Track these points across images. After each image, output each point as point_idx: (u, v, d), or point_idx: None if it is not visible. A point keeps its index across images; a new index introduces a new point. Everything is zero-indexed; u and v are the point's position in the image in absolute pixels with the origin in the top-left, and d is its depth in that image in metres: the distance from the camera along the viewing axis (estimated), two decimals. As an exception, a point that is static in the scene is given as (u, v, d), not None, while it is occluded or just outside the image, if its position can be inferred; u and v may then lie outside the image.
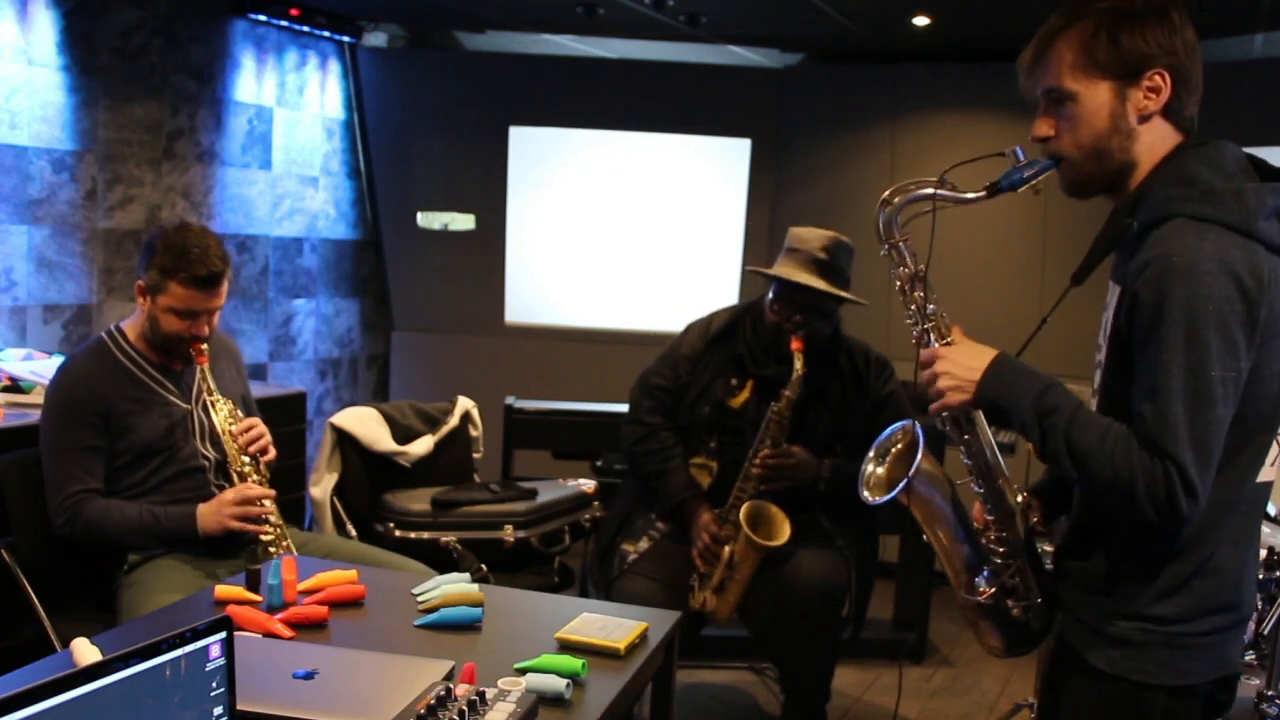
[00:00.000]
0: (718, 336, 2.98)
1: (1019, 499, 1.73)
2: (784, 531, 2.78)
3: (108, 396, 2.53)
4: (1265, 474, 1.57)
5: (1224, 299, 1.40)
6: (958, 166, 1.63)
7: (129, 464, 2.55)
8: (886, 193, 1.69)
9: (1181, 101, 1.53)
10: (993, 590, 1.68)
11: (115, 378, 2.56)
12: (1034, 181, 1.59)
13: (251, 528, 2.51)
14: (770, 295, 2.90)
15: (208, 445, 2.63)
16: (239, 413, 2.64)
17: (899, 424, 1.80)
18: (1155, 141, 1.54)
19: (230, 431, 2.59)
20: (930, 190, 1.63)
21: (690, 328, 3.05)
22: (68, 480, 2.48)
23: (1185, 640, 1.52)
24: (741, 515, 2.76)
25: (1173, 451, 1.41)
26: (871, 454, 1.82)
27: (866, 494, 1.79)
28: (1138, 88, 1.51)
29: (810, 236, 2.86)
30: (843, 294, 2.83)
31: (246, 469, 2.59)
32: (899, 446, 1.78)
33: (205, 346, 2.58)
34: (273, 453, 2.66)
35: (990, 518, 1.70)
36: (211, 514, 2.50)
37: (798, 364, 2.77)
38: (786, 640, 2.83)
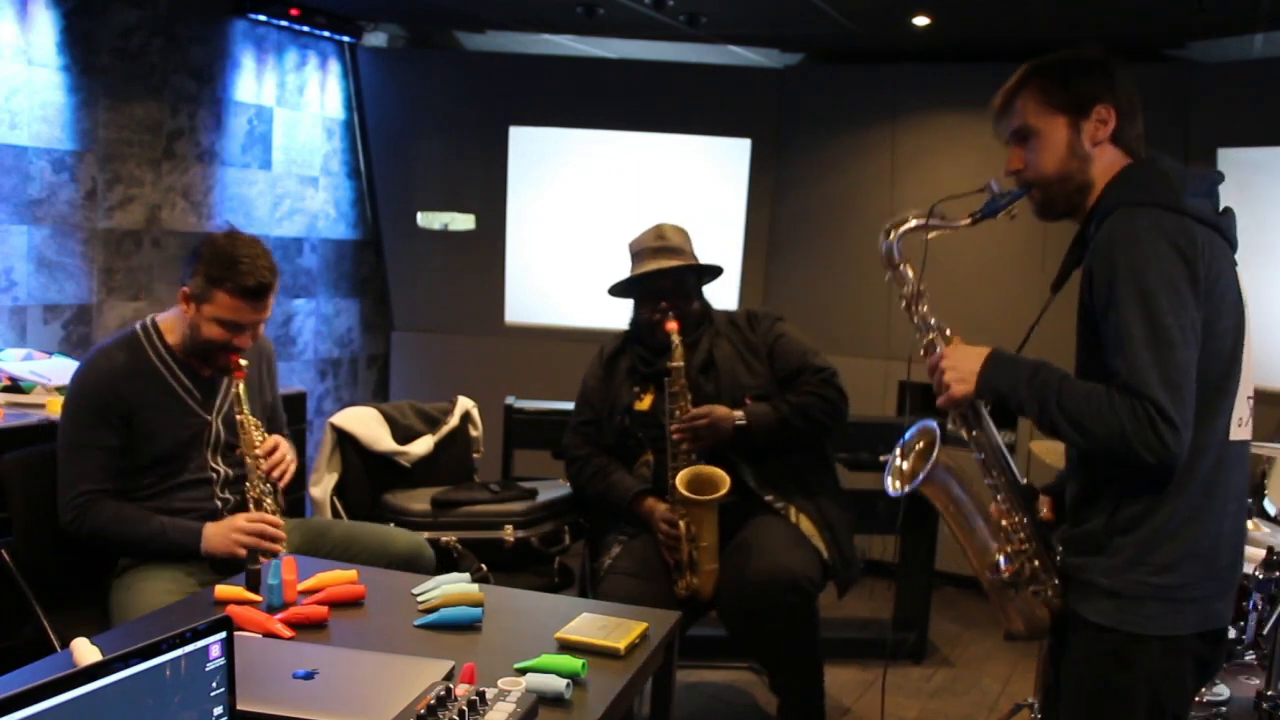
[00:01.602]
0: (610, 358, 3.20)
1: (1029, 489, 1.89)
2: (723, 483, 2.83)
3: (133, 400, 2.47)
4: (1240, 433, 1.76)
5: (1164, 258, 1.65)
6: (946, 200, 1.92)
7: (140, 468, 2.50)
8: (886, 225, 1.95)
9: (1125, 131, 1.82)
10: (1015, 568, 1.84)
11: (145, 380, 2.50)
12: (1008, 208, 1.87)
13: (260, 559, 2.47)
14: (635, 302, 3.12)
15: (218, 459, 2.59)
16: (264, 431, 2.56)
17: (919, 424, 1.95)
18: (1107, 164, 1.82)
19: (255, 453, 2.51)
20: (923, 221, 1.91)
21: (589, 366, 3.26)
22: (80, 478, 2.45)
23: (1173, 593, 1.70)
24: (680, 486, 2.83)
25: (1147, 392, 1.61)
26: (897, 451, 1.98)
27: (891, 485, 1.95)
28: (1088, 119, 1.81)
29: (643, 236, 3.10)
30: (686, 263, 3.02)
31: (265, 497, 2.52)
32: (920, 445, 1.94)
33: (244, 362, 2.51)
34: (290, 477, 2.59)
35: (1004, 506, 1.86)
36: (220, 535, 2.43)
37: (675, 339, 2.91)
38: (761, 639, 2.84)
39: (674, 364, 2.90)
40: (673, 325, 2.92)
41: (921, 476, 1.87)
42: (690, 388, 2.91)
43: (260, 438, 2.54)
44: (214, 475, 2.59)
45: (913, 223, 1.92)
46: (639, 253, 3.07)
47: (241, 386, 2.51)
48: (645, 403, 3.07)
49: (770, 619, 2.75)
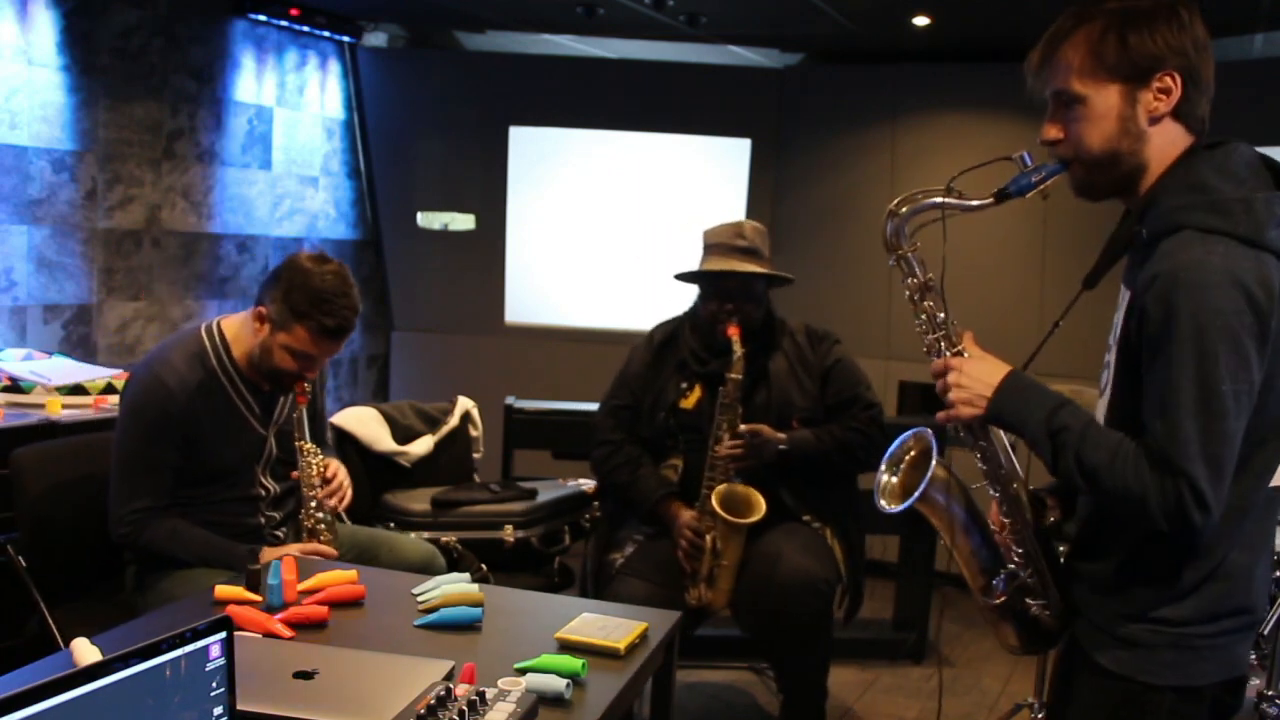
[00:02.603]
0: (661, 347, 3.09)
1: (1034, 497, 1.73)
2: (759, 507, 2.81)
3: (200, 418, 2.39)
4: (1277, 479, 1.56)
5: (1232, 311, 1.40)
6: (965, 173, 1.61)
7: (191, 481, 2.44)
8: (893, 203, 1.67)
9: (1192, 102, 1.51)
10: (1008, 594, 1.69)
11: (211, 398, 2.42)
12: (1042, 186, 1.58)
13: None
14: (700, 294, 3.00)
15: (268, 475, 2.54)
16: (321, 457, 2.52)
17: (911, 431, 1.78)
18: (1166, 144, 1.52)
19: (312, 481, 2.46)
20: (938, 199, 1.62)
21: (635, 347, 3.15)
22: (138, 494, 2.37)
23: (1193, 642, 1.53)
24: (714, 502, 2.79)
25: (1184, 467, 1.41)
26: (884, 464, 1.80)
27: (883, 503, 1.78)
28: (1147, 89, 1.49)
29: (722, 229, 2.97)
30: (765, 270, 2.92)
31: (320, 526, 2.47)
32: (912, 454, 1.77)
33: (309, 387, 2.45)
34: (348, 502, 2.55)
35: (1006, 520, 1.69)
36: None
37: (736, 348, 2.84)
38: (778, 638, 2.84)
39: (732, 375, 2.82)
40: (735, 331, 2.85)
41: (916, 495, 1.69)
42: (740, 398, 2.85)
43: (319, 466, 2.49)
44: (262, 493, 2.53)
45: (926, 200, 1.63)
46: (713, 246, 2.95)
47: (304, 411, 2.45)
48: (690, 400, 2.98)
49: (789, 619, 2.75)
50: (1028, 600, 1.69)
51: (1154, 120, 1.50)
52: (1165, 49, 1.47)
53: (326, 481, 2.52)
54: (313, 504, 2.47)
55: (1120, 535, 1.57)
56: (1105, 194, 1.59)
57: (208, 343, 2.45)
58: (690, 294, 3.09)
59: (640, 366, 3.08)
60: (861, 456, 2.92)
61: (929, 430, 1.74)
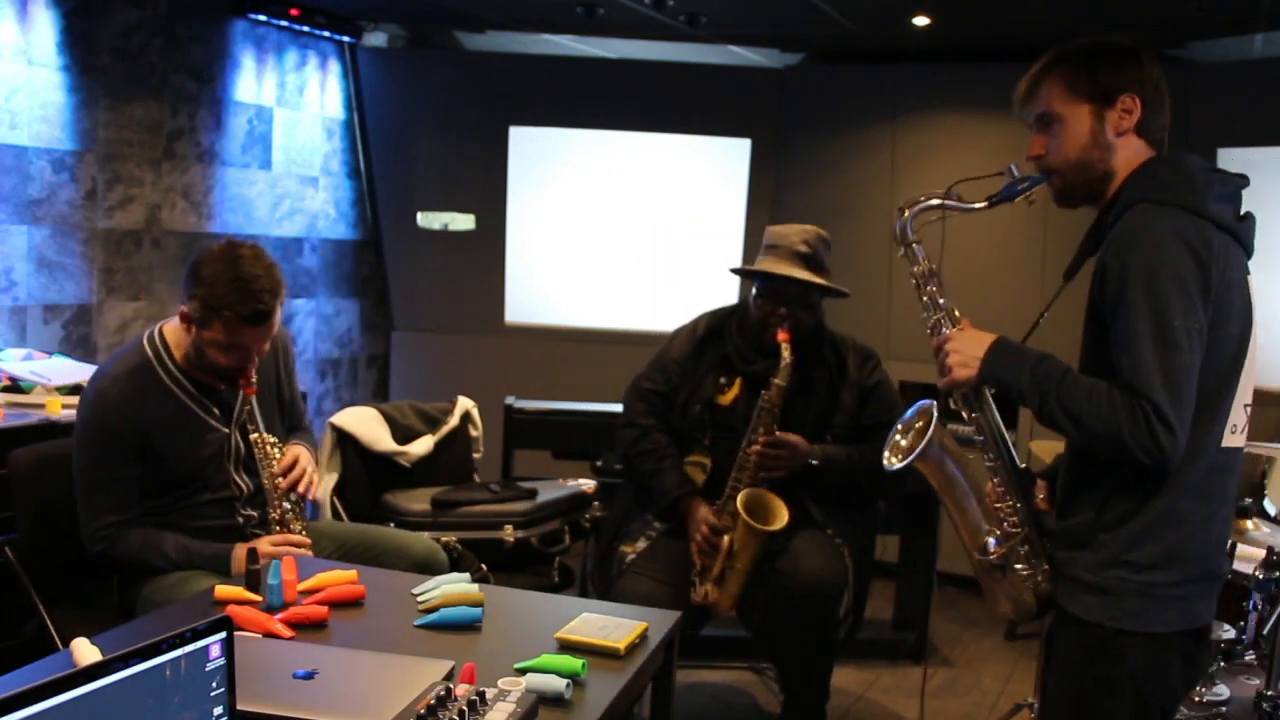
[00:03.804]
0: (705, 338, 3.04)
1: (1026, 473, 1.92)
2: (781, 516, 2.79)
3: (148, 426, 2.36)
4: (1233, 440, 1.76)
5: (1178, 261, 1.65)
6: (964, 181, 1.92)
7: (163, 489, 2.42)
8: (901, 203, 1.97)
9: (1151, 122, 1.81)
10: (1004, 550, 1.88)
11: (157, 404, 2.39)
12: (1027, 194, 1.88)
13: None
14: (755, 292, 2.95)
15: (241, 473, 2.51)
16: (280, 447, 2.50)
17: (920, 403, 1.96)
18: (1130, 154, 1.81)
19: (273, 471, 2.44)
20: (938, 200, 1.94)
21: (678, 332, 3.10)
22: (104, 510, 2.36)
23: (1155, 590, 1.72)
24: (738, 503, 2.78)
25: (1147, 392, 1.63)
26: (898, 428, 2.01)
27: (888, 458, 1.98)
28: (1113, 109, 1.80)
29: (789, 231, 2.93)
30: (826, 283, 2.89)
31: (289, 516, 2.46)
32: (919, 424, 1.97)
33: (255, 378, 2.43)
34: (316, 487, 2.52)
35: (1000, 489, 1.89)
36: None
37: (785, 353, 2.81)
38: (784, 639, 2.83)
39: (776, 381, 2.81)
40: (785, 337, 2.82)
41: (916, 452, 1.90)
42: (780, 405, 2.82)
43: (277, 455, 2.47)
44: (237, 492, 2.51)
45: (928, 201, 1.94)
46: (777, 247, 2.90)
47: (254, 402, 2.43)
48: (728, 397, 2.95)
49: (800, 620, 2.75)
50: (1020, 571, 1.87)
51: (1119, 134, 1.80)
52: (1126, 77, 1.79)
53: (288, 471, 2.49)
54: (275, 496, 2.45)
55: (1089, 490, 1.77)
56: (1080, 199, 1.87)
57: (149, 350, 2.42)
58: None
59: (680, 355, 3.03)
60: (890, 481, 2.91)
61: (933, 401, 1.95)
